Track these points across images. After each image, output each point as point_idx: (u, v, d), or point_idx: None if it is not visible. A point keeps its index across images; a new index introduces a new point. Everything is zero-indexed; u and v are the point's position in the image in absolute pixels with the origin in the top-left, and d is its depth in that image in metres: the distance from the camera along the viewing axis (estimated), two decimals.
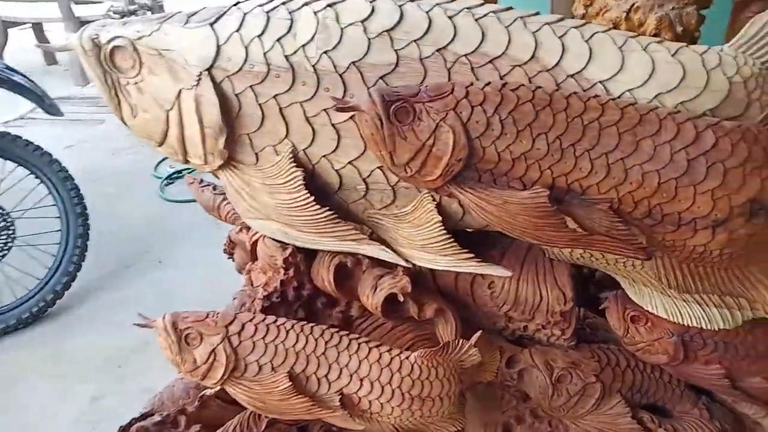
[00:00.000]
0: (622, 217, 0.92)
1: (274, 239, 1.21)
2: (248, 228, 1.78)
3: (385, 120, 0.90)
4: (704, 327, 1.08)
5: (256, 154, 1.16)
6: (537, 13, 1.04)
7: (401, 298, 1.15)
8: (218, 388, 1.13)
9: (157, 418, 1.14)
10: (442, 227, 1.10)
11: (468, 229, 1.17)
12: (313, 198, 1.13)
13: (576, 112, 0.89)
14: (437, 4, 1.05)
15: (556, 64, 0.99)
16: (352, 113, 0.95)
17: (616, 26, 1.53)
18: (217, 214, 1.55)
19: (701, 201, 0.88)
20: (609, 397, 1.24)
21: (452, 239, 1.10)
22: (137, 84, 1.17)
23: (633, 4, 1.55)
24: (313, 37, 1.05)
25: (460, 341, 1.11)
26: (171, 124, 1.18)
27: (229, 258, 1.99)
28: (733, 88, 0.94)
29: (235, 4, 1.15)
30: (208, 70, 1.10)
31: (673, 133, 0.87)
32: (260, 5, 1.11)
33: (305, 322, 1.10)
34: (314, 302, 1.25)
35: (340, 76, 1.05)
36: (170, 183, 3.67)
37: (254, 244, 1.33)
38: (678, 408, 1.30)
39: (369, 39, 1.04)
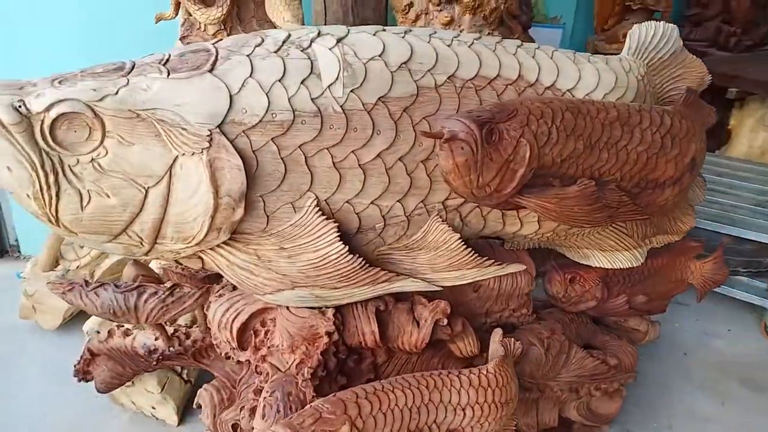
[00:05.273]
0: (623, 190, 1.16)
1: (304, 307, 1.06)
2: (160, 326, 1.45)
3: (480, 144, 0.93)
4: (634, 265, 1.41)
5: (268, 216, 1.00)
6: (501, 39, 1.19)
7: (444, 322, 1.16)
8: None
9: None
10: (463, 242, 1.15)
11: None
12: (347, 248, 1.04)
13: (593, 114, 1.08)
14: (431, 35, 1.10)
15: (536, 80, 1.16)
16: (443, 141, 0.93)
17: None
18: (133, 317, 1.20)
19: (669, 167, 1.18)
20: (571, 348, 1.49)
21: (473, 250, 1.17)
22: (94, 161, 0.87)
23: None
24: (338, 75, 0.97)
25: (511, 341, 1.19)
26: (149, 205, 0.91)
27: (81, 380, 1.53)
28: (639, 84, 1.27)
29: (214, 45, 0.96)
30: (220, 126, 0.90)
31: (649, 120, 1.14)
32: (258, 45, 0.96)
33: (400, 376, 1.01)
34: (346, 365, 1.14)
35: (369, 113, 1.00)
36: None
37: (240, 329, 1.12)
38: (598, 340, 1.63)
39: (391, 72, 1.02)
